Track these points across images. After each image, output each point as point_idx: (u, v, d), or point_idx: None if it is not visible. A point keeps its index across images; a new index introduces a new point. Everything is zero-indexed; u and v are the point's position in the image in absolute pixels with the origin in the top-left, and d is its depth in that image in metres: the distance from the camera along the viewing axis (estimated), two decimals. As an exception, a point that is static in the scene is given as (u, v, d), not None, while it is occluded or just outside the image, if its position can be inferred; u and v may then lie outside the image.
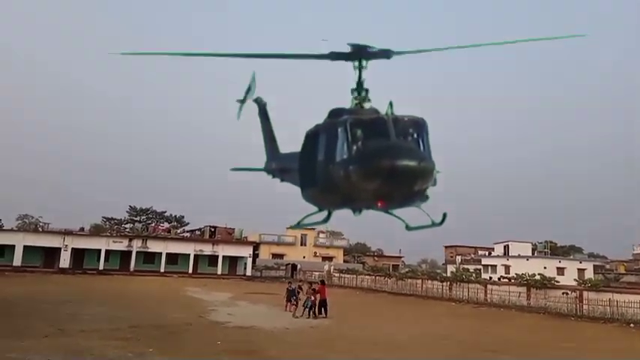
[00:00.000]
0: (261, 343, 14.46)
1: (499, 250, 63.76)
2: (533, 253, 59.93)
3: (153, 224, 75.34)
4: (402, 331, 19.61)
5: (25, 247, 53.03)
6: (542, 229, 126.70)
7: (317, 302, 22.20)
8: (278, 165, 6.36)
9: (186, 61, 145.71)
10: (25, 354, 11.11)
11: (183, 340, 14.37)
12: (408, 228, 5.41)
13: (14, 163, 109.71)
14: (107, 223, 76.11)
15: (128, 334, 14.89)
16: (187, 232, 75.78)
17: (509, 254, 59.88)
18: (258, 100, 6.66)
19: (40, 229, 63.10)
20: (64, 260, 54.27)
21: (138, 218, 78.74)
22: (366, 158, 4.73)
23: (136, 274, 54.53)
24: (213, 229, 68.39)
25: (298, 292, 23.34)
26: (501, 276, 53.44)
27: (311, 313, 21.78)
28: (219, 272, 60.09)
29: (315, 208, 5.51)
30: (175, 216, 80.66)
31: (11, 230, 58.93)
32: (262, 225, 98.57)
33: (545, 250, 63.30)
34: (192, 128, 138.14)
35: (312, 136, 5.39)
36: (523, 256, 56.80)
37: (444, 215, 5.27)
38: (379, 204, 4.97)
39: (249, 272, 62.03)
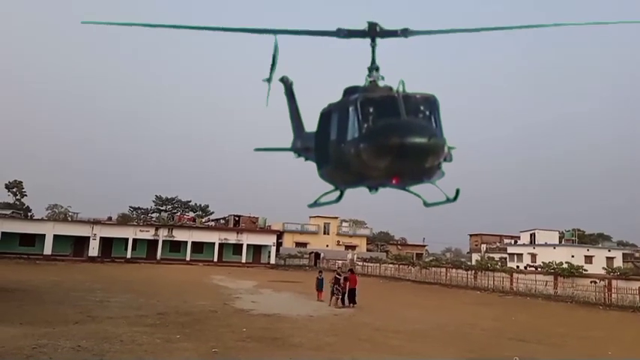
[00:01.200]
0: (285, 331, 14.57)
1: (525, 238, 62.87)
2: (560, 242, 58.89)
3: (178, 213, 76.44)
4: (425, 319, 19.55)
5: (55, 236, 54.31)
6: (570, 217, 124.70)
7: (346, 290, 22.15)
8: (303, 144, 6.41)
9: (215, 46, 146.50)
10: (57, 340, 11.39)
11: (208, 327, 14.57)
12: (425, 204, 5.51)
13: (45, 155, 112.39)
14: (134, 212, 77.50)
15: (155, 321, 15.16)
16: (212, 221, 76.67)
17: (536, 242, 59.02)
18: (284, 80, 6.66)
19: (70, 219, 64.64)
20: (93, 249, 55.47)
21: (164, 208, 79.97)
22: (376, 136, 4.78)
23: (163, 262, 55.48)
24: (237, 218, 69.06)
25: (338, 280, 22.44)
26: (528, 265, 52.75)
27: (339, 300, 21.81)
28: (243, 260, 60.76)
29: (331, 187, 5.61)
30: (200, 205, 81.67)
31: (41, 220, 60.47)
32: (285, 214, 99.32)
33: (573, 238, 62.11)
34: (216, 117, 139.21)
35: (325, 115, 5.47)
36: (550, 245, 55.89)
37: (457, 191, 5.29)
38: (393, 181, 5.06)
39: (273, 260, 62.56)
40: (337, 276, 22.84)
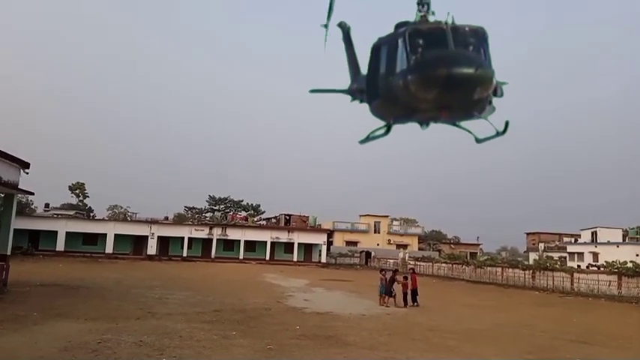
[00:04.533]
0: (338, 329, 14.57)
1: (586, 236, 60.38)
2: (624, 240, 56.18)
3: (231, 213, 77.98)
4: (481, 319, 19.07)
5: (115, 235, 56.71)
6: (635, 213, 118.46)
7: (408, 290, 21.87)
8: (358, 86, 6.42)
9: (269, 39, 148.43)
10: (120, 335, 11.83)
11: (263, 324, 14.77)
12: (477, 140, 5.47)
13: (103, 160, 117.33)
14: (189, 212, 79.61)
15: (212, 318, 15.51)
16: (263, 220, 77.74)
17: (598, 241, 56.55)
18: (342, 25, 6.67)
19: (129, 219, 67.23)
20: (151, 247, 57.50)
21: (217, 207, 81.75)
22: (424, 67, 4.81)
23: (217, 260, 56.87)
24: (288, 217, 69.78)
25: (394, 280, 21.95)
26: (589, 264, 50.63)
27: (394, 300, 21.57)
28: (294, 259, 61.38)
29: (382, 122, 5.62)
30: (252, 204, 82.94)
31: (103, 220, 63.21)
32: (336, 213, 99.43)
33: (638, 235, 59.06)
34: (266, 119, 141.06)
35: (376, 50, 5.49)
36: (613, 243, 53.40)
37: (506, 123, 5.28)
38: (442, 114, 5.04)
39: (323, 259, 62.84)
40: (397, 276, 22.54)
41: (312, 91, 6.98)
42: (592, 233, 59.10)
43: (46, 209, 67.12)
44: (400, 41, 5.02)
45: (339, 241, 69.54)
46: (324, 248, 63.91)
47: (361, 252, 67.49)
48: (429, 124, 5.37)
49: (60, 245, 54.13)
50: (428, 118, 5.30)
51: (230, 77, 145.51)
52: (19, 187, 20.31)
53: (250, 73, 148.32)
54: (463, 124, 5.40)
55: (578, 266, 47.52)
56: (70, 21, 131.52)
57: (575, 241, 64.12)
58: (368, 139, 5.71)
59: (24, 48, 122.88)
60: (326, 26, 6.23)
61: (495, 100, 5.32)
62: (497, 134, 5.31)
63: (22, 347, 10.26)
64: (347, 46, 6.73)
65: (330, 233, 67.71)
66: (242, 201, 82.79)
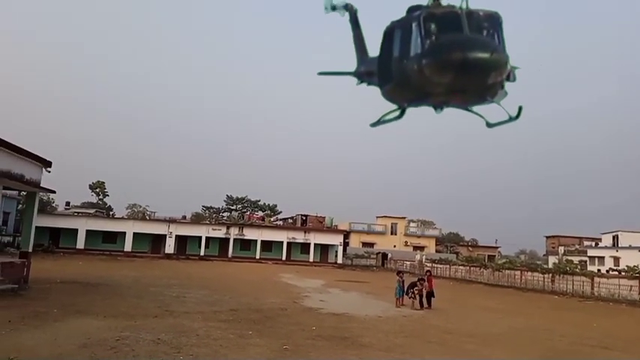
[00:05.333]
0: (354, 330, 14.54)
1: (607, 240, 59.40)
2: (646, 244, 55.16)
3: (248, 213, 78.32)
4: (499, 323, 18.87)
5: (134, 233, 57.40)
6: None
7: (425, 292, 21.75)
8: (365, 68, 6.40)
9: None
10: (138, 333, 11.95)
11: (279, 324, 14.80)
12: (488, 125, 5.42)
13: (122, 160, 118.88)
14: (206, 211, 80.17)
15: (229, 317, 15.59)
16: (280, 220, 77.93)
17: (619, 245, 55.58)
18: (348, 8, 6.67)
19: (148, 217, 67.94)
20: (169, 246, 58.05)
21: (234, 207, 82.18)
22: (438, 51, 4.79)
23: (234, 260, 57.19)
24: (304, 218, 69.84)
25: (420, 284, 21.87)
26: (610, 268, 49.82)
27: (415, 303, 21.44)
28: (311, 259, 61.39)
29: (394, 106, 5.59)
30: (269, 204, 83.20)
31: (122, 218, 64.01)
32: (352, 214, 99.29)
33: (661, 240, 57.91)
34: (280, 119, 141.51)
35: (388, 33, 5.45)
36: (635, 247, 52.42)
37: (520, 108, 5.24)
38: (455, 98, 5.01)
39: (340, 260, 62.76)
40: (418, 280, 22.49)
41: (320, 73, 7.02)
42: (613, 237, 58.18)
43: (67, 207, 68.18)
44: (414, 25, 5.01)
45: (355, 242, 69.44)
46: (340, 249, 63.84)
47: (378, 253, 67.31)
48: (442, 108, 5.35)
49: (80, 243, 54.95)
50: (441, 102, 5.27)
51: (243, 77, 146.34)
52: (41, 185, 20.67)
53: (263, 73, 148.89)
54: (475, 108, 5.37)
55: (599, 270, 46.78)
56: (91, 23, 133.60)
57: (596, 244, 63.15)
58: (379, 122, 5.70)
59: (41, 49, 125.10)
60: (334, 8, 6.24)
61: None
62: (511, 119, 5.27)
63: (43, 343, 10.42)
64: (354, 29, 6.72)
65: (346, 234, 67.61)
66: (259, 201, 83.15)
